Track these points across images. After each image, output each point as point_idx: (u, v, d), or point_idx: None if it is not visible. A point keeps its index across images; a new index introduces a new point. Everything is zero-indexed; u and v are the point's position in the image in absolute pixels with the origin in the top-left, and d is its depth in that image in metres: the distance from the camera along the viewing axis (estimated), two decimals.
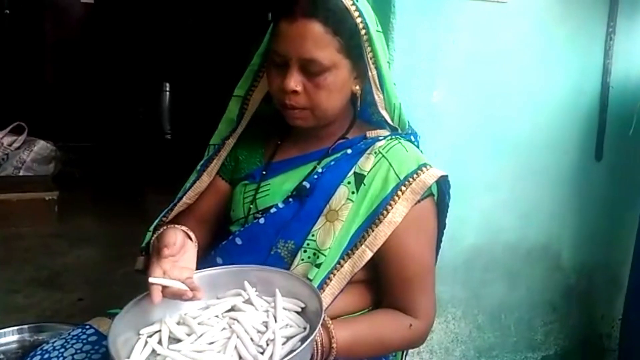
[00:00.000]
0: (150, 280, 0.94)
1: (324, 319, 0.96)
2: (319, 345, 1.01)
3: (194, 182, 1.24)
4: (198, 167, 1.26)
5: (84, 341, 1.11)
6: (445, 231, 1.22)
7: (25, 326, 1.73)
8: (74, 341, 1.11)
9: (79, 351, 1.09)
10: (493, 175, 1.73)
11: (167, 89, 5.51)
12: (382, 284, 1.14)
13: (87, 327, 1.15)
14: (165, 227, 1.14)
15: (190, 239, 1.09)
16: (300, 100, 1.07)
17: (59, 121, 4.58)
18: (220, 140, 1.25)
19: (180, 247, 1.03)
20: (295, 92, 1.06)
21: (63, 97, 5.02)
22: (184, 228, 1.11)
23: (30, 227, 3.24)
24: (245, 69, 1.25)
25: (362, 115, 1.21)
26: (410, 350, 1.66)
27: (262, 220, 1.14)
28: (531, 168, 1.78)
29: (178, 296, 0.96)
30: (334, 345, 1.02)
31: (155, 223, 1.22)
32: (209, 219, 1.26)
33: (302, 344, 0.90)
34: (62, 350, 1.09)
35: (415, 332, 1.12)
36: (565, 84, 1.78)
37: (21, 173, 3.79)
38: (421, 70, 1.55)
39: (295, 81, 1.05)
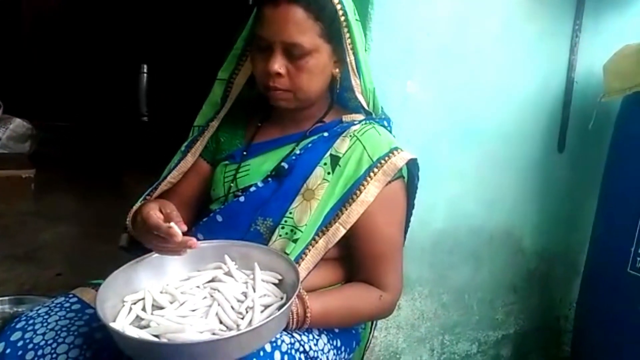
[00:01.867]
0: (172, 224, 0.98)
1: (299, 290, 1.01)
2: (294, 314, 1.07)
3: (179, 162, 1.28)
4: (182, 148, 1.30)
5: (68, 309, 1.12)
6: (414, 212, 1.28)
7: (6, 298, 1.75)
8: (57, 309, 1.12)
9: (62, 318, 1.10)
10: (461, 164, 1.78)
11: (145, 70, 5.47)
12: (353, 260, 1.20)
13: (71, 296, 1.17)
14: None
15: None
16: (283, 83, 1.12)
17: (35, 99, 4.53)
18: (205, 121, 1.30)
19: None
20: (279, 74, 1.11)
21: (40, 75, 4.95)
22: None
23: (7, 204, 3.20)
24: (223, 52, 1.28)
25: (340, 100, 1.26)
26: (378, 326, 1.71)
27: (242, 199, 1.18)
28: (497, 158, 1.83)
29: (184, 245, 0.99)
30: (309, 314, 1.07)
31: (139, 202, 1.24)
32: (191, 200, 1.30)
33: (279, 311, 0.96)
34: (46, 317, 1.10)
35: (384, 303, 1.18)
36: (532, 78, 1.83)
37: None
38: (397, 61, 1.59)
39: (279, 64, 1.10)
